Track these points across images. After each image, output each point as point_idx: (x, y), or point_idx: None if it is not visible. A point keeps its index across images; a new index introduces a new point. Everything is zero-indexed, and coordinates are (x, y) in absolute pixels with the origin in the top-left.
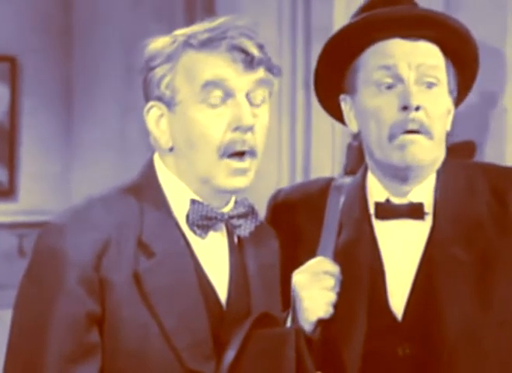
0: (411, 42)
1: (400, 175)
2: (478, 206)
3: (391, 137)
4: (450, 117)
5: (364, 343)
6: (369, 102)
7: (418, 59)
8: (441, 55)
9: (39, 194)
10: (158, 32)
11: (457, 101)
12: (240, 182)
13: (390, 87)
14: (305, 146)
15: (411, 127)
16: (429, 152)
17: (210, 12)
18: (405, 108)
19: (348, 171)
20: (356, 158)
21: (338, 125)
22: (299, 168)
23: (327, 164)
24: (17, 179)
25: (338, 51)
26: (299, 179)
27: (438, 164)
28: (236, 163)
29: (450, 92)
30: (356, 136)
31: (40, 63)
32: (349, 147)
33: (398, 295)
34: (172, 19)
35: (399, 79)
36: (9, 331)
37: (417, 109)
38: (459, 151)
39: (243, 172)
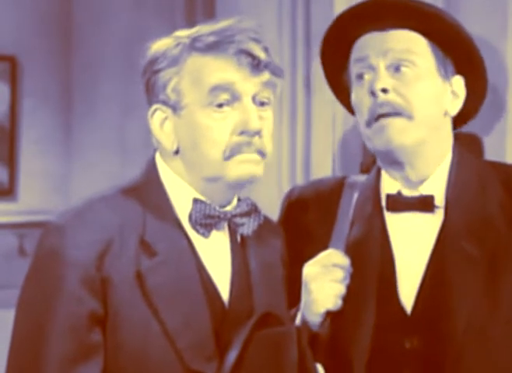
0: (384, 32)
1: (391, 160)
2: (490, 203)
3: (368, 124)
4: (458, 102)
5: (372, 335)
6: (353, 95)
7: (386, 45)
8: (421, 40)
9: (39, 194)
10: (158, 32)
11: (475, 99)
12: (253, 169)
13: (365, 78)
14: (305, 146)
15: (381, 110)
16: (408, 133)
17: (210, 12)
18: (373, 93)
19: (364, 170)
20: (372, 158)
21: (338, 125)
22: (299, 168)
23: (328, 164)
24: (17, 178)
25: (332, 53)
26: (299, 179)
27: (431, 146)
28: (245, 155)
29: (443, 76)
30: None
31: (40, 63)
32: (365, 146)
33: (407, 289)
34: (172, 19)
35: (372, 68)
36: (12, 331)
37: (384, 91)
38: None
39: (254, 161)
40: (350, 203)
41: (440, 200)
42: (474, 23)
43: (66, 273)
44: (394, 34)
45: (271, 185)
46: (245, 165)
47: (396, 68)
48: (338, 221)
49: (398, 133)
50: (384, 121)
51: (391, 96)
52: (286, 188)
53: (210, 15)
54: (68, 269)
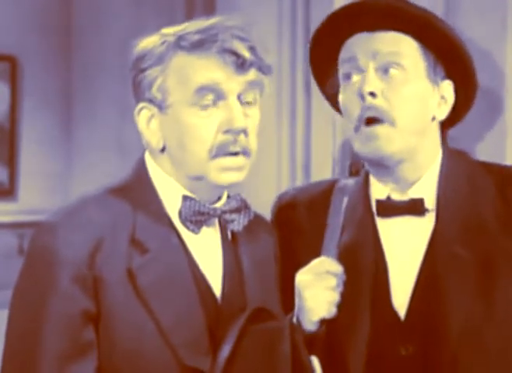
0: (372, 34)
1: (379, 165)
2: (481, 204)
3: (356, 129)
4: (446, 107)
5: (367, 342)
6: (341, 95)
7: (374, 47)
8: (411, 43)
9: (39, 194)
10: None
11: (465, 103)
12: (234, 176)
13: (353, 79)
14: (305, 146)
15: (369, 114)
16: (393, 142)
17: (210, 11)
18: (362, 96)
19: (354, 172)
20: (360, 159)
21: (338, 125)
22: (299, 168)
23: (328, 164)
24: (17, 178)
25: (321, 55)
26: (299, 179)
27: (420, 151)
28: (229, 160)
29: (432, 80)
30: None
31: (40, 63)
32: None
33: (401, 294)
34: (173, 19)
35: (360, 70)
36: (6, 330)
37: (372, 95)
38: None
39: (236, 168)
40: (340, 209)
41: (430, 203)
42: (473, 24)
43: (58, 272)
44: (383, 36)
45: (271, 185)
46: (227, 174)
47: (385, 70)
48: (329, 226)
49: (383, 144)
50: (369, 130)
51: (378, 101)
52: (286, 188)
53: (210, 15)
54: (60, 267)
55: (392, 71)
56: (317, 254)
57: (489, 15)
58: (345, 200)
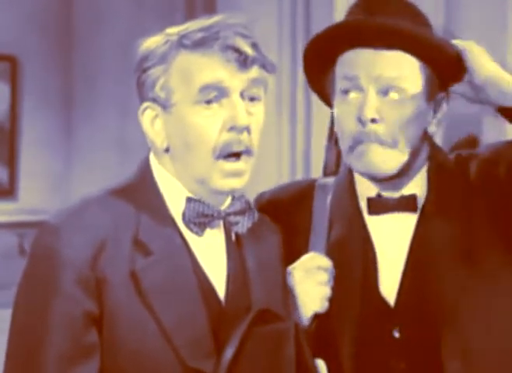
0: (374, 51)
1: (371, 178)
2: (470, 200)
3: (351, 149)
4: (437, 120)
5: (358, 331)
6: (336, 109)
7: (377, 70)
8: (412, 62)
9: (39, 193)
10: (158, 32)
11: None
12: (235, 183)
13: (351, 96)
14: (305, 146)
15: (366, 139)
16: (389, 160)
17: (211, 11)
18: (361, 120)
19: (328, 173)
20: (335, 160)
21: None
22: (299, 168)
23: None
24: (17, 178)
25: (316, 62)
26: (299, 177)
27: (412, 162)
28: (231, 165)
29: (428, 96)
30: (330, 138)
31: (41, 63)
32: (327, 149)
33: (389, 282)
34: (173, 20)
35: (360, 89)
36: (9, 332)
37: (373, 121)
38: (463, 146)
39: (238, 173)
40: (325, 206)
41: (422, 200)
42: (473, 24)
43: (61, 274)
44: (387, 57)
45: (271, 184)
46: (228, 180)
47: (385, 92)
48: (315, 223)
49: (378, 160)
50: (363, 147)
51: (378, 127)
52: None
53: (211, 15)
54: (62, 269)
55: (392, 93)
56: (304, 250)
57: (489, 16)
58: (329, 197)
